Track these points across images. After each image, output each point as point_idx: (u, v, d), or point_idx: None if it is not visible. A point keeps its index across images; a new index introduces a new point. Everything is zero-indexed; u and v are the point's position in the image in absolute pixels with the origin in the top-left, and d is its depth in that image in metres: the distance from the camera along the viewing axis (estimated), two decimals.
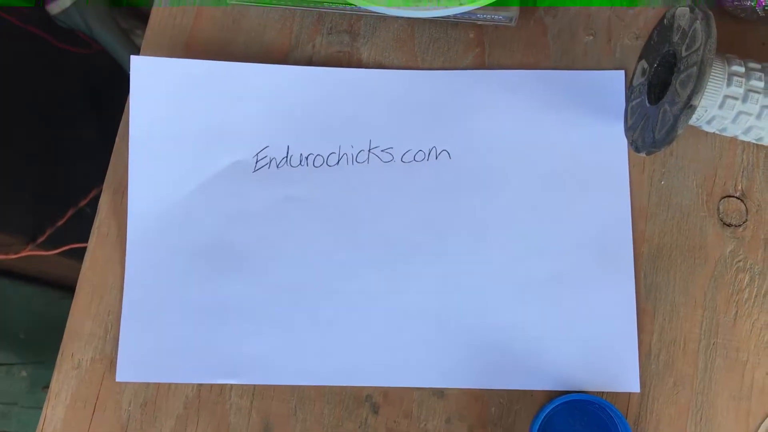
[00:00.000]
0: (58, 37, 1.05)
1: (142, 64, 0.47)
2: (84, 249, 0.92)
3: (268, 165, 0.47)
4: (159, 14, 0.50)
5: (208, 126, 0.48)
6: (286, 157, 0.47)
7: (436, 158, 0.47)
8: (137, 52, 1.05)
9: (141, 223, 0.46)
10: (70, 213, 0.99)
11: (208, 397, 0.45)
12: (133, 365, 0.45)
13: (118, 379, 0.45)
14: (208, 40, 0.50)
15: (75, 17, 1.06)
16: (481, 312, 0.45)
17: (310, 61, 0.49)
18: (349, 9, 0.48)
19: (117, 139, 0.48)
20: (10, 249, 0.90)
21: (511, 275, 0.46)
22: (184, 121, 0.47)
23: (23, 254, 0.91)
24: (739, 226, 0.46)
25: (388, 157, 0.47)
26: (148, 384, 0.45)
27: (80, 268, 0.96)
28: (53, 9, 1.03)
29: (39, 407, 0.93)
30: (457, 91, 0.48)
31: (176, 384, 0.45)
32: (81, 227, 0.97)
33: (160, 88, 0.47)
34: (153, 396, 0.45)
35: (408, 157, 0.47)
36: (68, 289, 1.05)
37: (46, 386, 0.94)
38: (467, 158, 0.47)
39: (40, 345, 0.93)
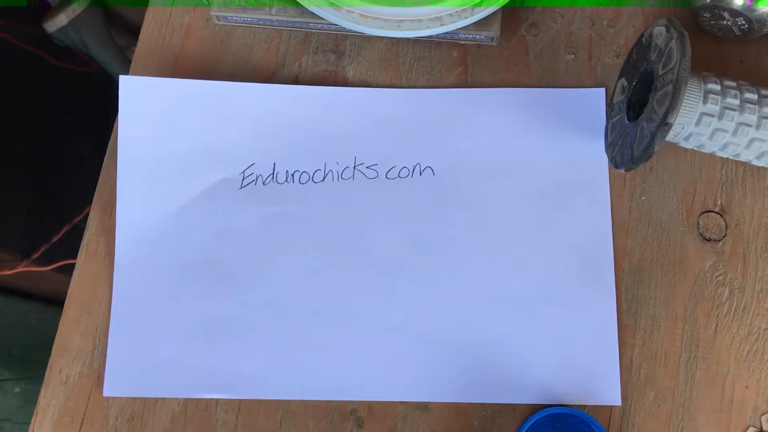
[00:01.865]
0: (55, 55, 1.06)
1: (130, 83, 0.48)
2: None
3: (254, 182, 0.48)
4: (148, 34, 0.51)
5: (196, 144, 0.48)
6: (273, 174, 0.48)
7: (420, 175, 0.48)
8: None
9: (129, 240, 0.47)
10: (65, 229, 1.00)
11: (195, 412, 0.45)
12: (121, 380, 0.45)
13: (105, 394, 0.45)
14: (197, 59, 0.50)
15: (72, 35, 1.07)
16: (464, 327, 0.46)
17: (296, 80, 0.50)
18: (335, 29, 0.49)
19: (106, 157, 0.49)
20: (6, 265, 0.90)
21: (493, 290, 0.46)
22: (172, 139, 0.48)
23: (18, 270, 0.91)
24: (719, 240, 0.47)
25: (372, 174, 0.48)
26: (135, 399, 0.45)
27: None
28: (50, 27, 1.04)
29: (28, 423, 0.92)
30: (441, 109, 0.49)
31: (163, 399, 0.45)
32: (76, 243, 0.98)
33: (148, 107, 0.48)
34: (140, 411, 0.45)
35: (392, 174, 0.48)
36: (61, 304, 1.05)
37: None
38: (451, 175, 0.48)
39: (35, 361, 0.94)
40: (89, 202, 1.09)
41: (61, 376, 0.46)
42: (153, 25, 0.51)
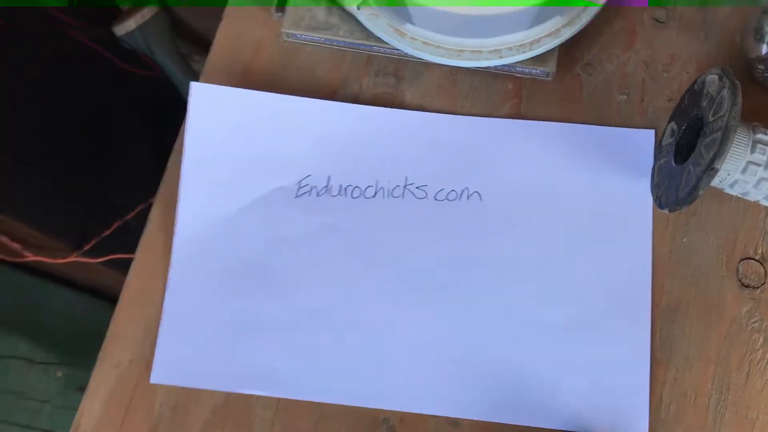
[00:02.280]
0: (122, 57, 1.11)
1: (200, 90, 0.51)
2: (126, 259, 0.96)
3: (309, 192, 0.50)
4: (221, 45, 0.54)
5: (257, 152, 0.51)
6: (327, 186, 0.51)
7: (468, 199, 0.50)
8: (194, 76, 1.10)
9: (187, 238, 0.49)
10: (115, 225, 1.04)
11: (236, 406, 0.47)
12: (168, 369, 0.48)
13: (152, 381, 0.47)
14: (264, 73, 0.53)
15: (138, 39, 1.11)
16: (498, 348, 0.47)
17: (356, 99, 0.52)
18: (397, 54, 0.51)
19: (171, 156, 0.52)
20: (58, 254, 0.94)
21: (529, 316, 0.48)
22: (235, 145, 0.51)
23: (69, 260, 0.95)
24: (757, 288, 0.48)
25: (422, 194, 0.50)
26: (180, 388, 0.48)
27: (121, 277, 1.00)
28: (119, 30, 1.08)
29: (70, 407, 0.96)
30: (493, 137, 0.51)
31: (206, 391, 0.47)
32: (125, 239, 1.02)
33: (215, 114, 0.51)
34: (183, 400, 0.47)
35: (441, 196, 0.50)
36: (107, 296, 1.09)
37: (80, 387, 0.98)
38: (497, 201, 0.50)
39: (78, 348, 0.97)
40: (141, 201, 1.13)
41: (112, 361, 0.48)
42: (226, 36, 0.54)
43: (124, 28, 1.08)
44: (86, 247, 0.97)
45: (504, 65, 0.49)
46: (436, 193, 0.50)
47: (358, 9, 0.48)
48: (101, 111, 1.10)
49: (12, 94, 0.84)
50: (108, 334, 0.49)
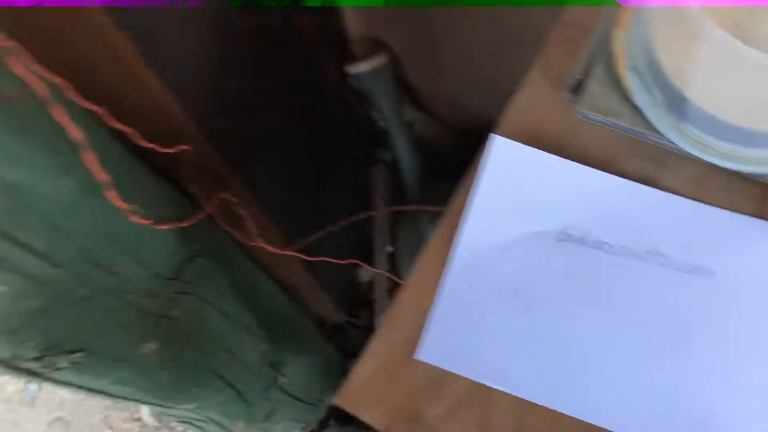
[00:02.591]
0: (351, 93, 1.28)
1: (499, 143, 0.64)
2: (329, 263, 1.10)
3: (568, 239, 0.61)
4: (516, 109, 0.66)
5: (532, 198, 0.63)
6: (584, 238, 0.61)
7: (702, 275, 0.59)
8: (402, 123, 1.28)
9: (465, 254, 0.62)
10: (318, 234, 1.19)
11: (481, 394, 0.58)
12: (431, 351, 0.59)
13: (416, 357, 0.59)
14: (547, 137, 0.65)
15: (365, 82, 1.26)
16: (709, 408, 0.56)
17: (621, 174, 0.63)
18: (666, 145, 0.62)
19: (461, 190, 0.64)
20: (276, 245, 1.09)
21: (744, 386, 0.56)
22: (516, 190, 0.63)
23: (284, 252, 1.09)
24: None
25: (663, 262, 0.60)
26: (437, 369, 0.59)
27: (309, 278, 1.14)
28: (351, 69, 1.25)
29: (260, 380, 1.09)
30: (733, 229, 0.60)
31: (459, 375, 0.59)
32: (323, 245, 1.17)
33: (506, 162, 0.63)
34: (439, 379, 0.59)
35: (680, 267, 0.60)
36: (288, 291, 1.24)
37: (271, 363, 1.11)
38: (727, 282, 0.59)
39: (274, 331, 1.12)
40: (343, 216, 1.29)
41: (387, 336, 0.61)
42: (521, 103, 0.66)
43: (356, 68, 1.24)
44: (297, 246, 1.11)
45: (759, 173, 0.59)
46: (676, 264, 0.60)
47: (650, 107, 0.59)
48: (327, 132, 1.27)
49: (264, 106, 1.00)
50: (389, 315, 0.61)
